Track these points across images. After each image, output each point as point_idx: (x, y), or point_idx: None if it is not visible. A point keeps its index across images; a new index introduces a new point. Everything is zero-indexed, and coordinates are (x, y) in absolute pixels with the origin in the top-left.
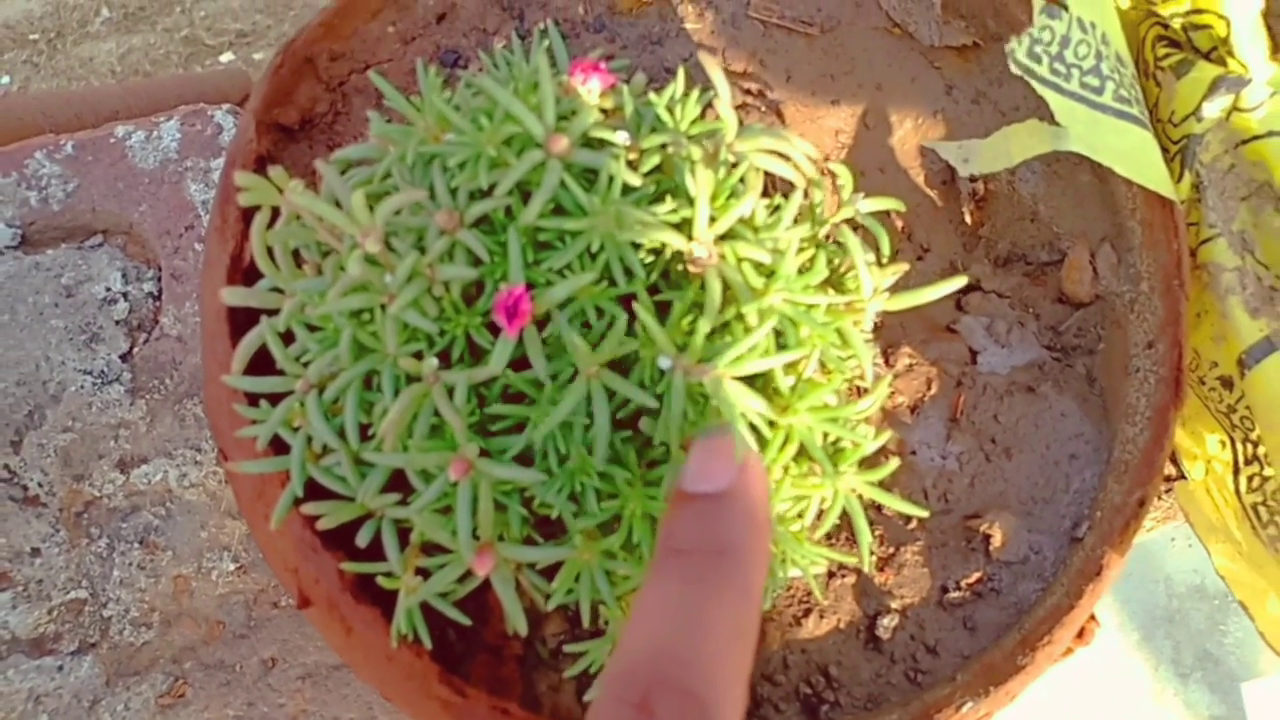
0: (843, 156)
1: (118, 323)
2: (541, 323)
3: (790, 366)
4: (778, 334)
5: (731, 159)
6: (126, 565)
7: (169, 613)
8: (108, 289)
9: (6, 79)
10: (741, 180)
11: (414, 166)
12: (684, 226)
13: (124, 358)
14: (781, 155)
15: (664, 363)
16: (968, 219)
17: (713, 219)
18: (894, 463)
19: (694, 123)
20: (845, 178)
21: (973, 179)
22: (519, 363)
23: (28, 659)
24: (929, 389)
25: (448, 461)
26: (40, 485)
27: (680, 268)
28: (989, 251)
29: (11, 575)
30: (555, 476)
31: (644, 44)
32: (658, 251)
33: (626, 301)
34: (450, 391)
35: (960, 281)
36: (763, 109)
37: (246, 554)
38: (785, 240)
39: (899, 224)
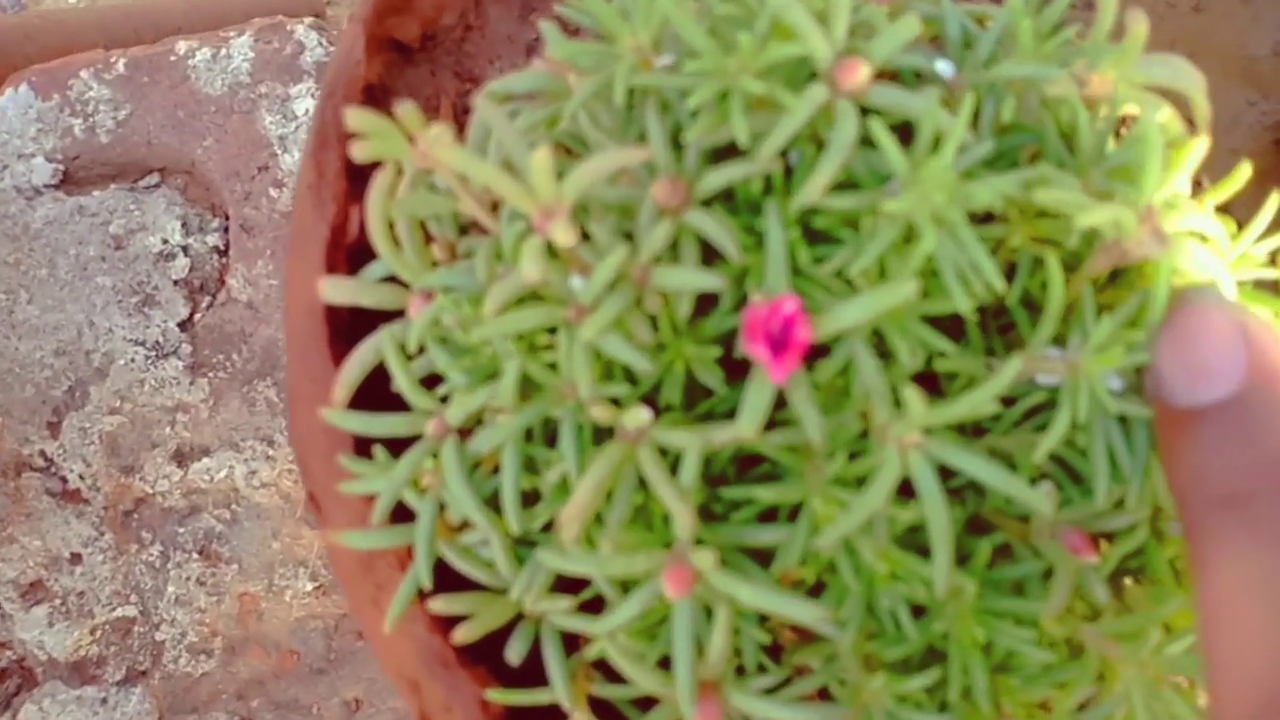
0: None
1: (176, 283)
2: (809, 356)
3: None
4: None
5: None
6: (183, 579)
7: (233, 638)
8: (164, 241)
9: None
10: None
11: (621, 110)
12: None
13: (183, 326)
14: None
15: (1042, 377)
16: None
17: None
18: None
19: (1049, 40)
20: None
21: None
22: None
23: (66, 687)
24: None
25: (659, 568)
26: (82, 478)
27: (1057, 265)
28: None
29: (48, 585)
30: (837, 589)
31: None
32: (998, 243)
33: (951, 326)
34: (666, 457)
35: None
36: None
37: (327, 571)
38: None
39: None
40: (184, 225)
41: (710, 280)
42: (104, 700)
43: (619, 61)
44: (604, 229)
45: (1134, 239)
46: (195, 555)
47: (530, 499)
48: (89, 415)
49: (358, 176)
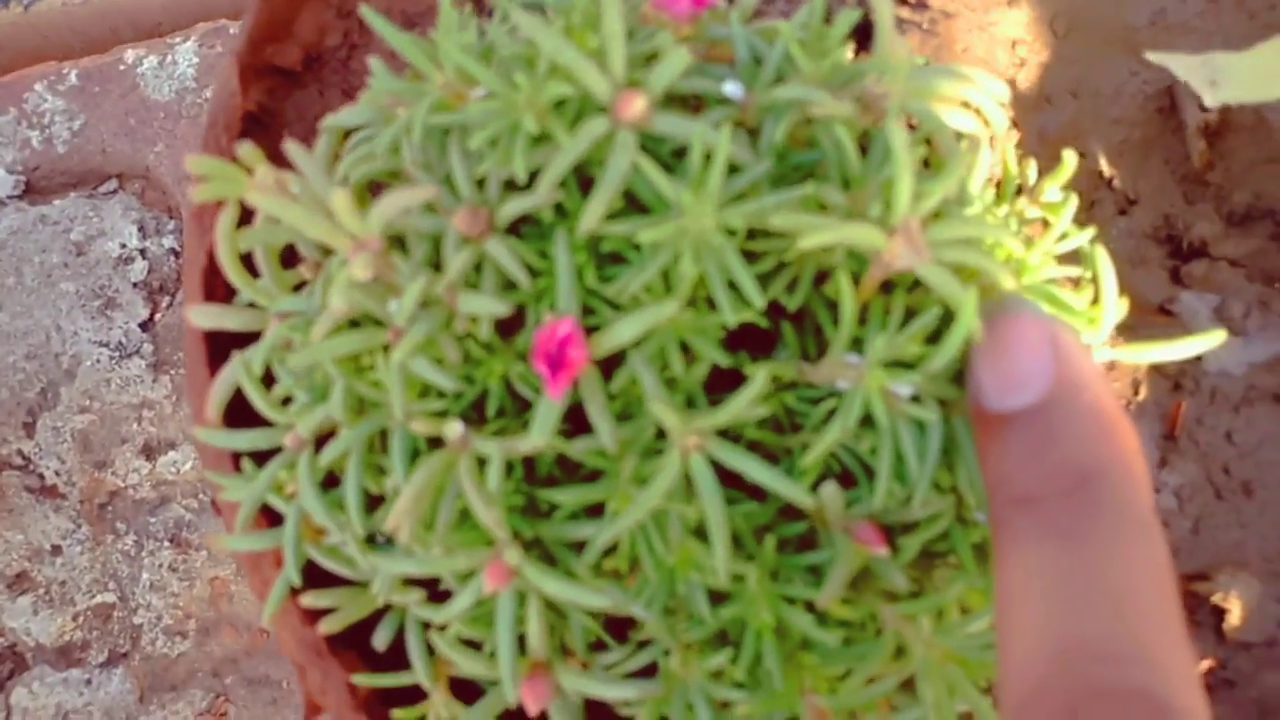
0: (1022, 77)
1: (135, 285)
2: (612, 364)
3: None
4: None
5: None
6: (157, 566)
7: (206, 620)
8: (123, 245)
9: None
10: (928, 143)
11: (425, 142)
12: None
13: (144, 326)
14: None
15: (840, 383)
16: (1193, 159)
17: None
18: None
19: (834, 63)
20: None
21: (1203, 108)
22: (581, 418)
23: (54, 670)
24: (1135, 394)
25: (482, 564)
26: (58, 474)
27: (846, 278)
28: (1221, 204)
29: (32, 576)
30: (642, 578)
31: None
32: (783, 264)
33: (731, 337)
34: (482, 464)
35: (1220, 337)
36: (924, 27)
37: None
38: (996, 221)
39: (1099, 166)
40: (141, 229)
41: (499, 306)
42: (89, 681)
43: (425, 98)
44: (416, 255)
45: (889, 253)
46: (167, 543)
47: (380, 503)
48: (61, 415)
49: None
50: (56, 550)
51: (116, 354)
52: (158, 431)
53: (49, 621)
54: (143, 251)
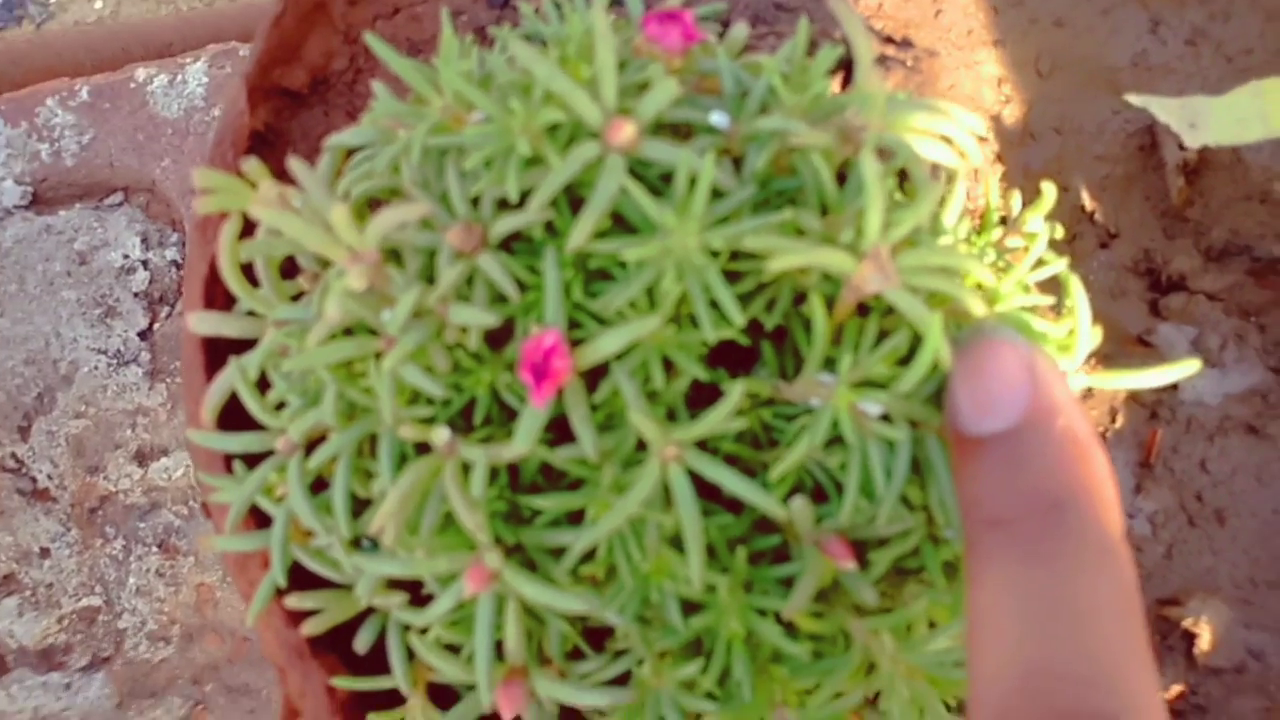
0: (1007, 113)
1: (136, 295)
2: (595, 375)
3: None
4: None
5: (877, 144)
6: (144, 571)
7: (190, 626)
8: (125, 256)
9: (99, 2)
10: (902, 175)
11: (423, 162)
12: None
13: (143, 335)
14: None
15: (814, 401)
16: (1172, 196)
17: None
18: None
19: (814, 96)
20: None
21: (1182, 146)
22: (565, 428)
23: (34, 673)
24: (1112, 421)
25: (463, 567)
26: (50, 478)
27: (819, 299)
28: (1199, 240)
29: (19, 578)
30: (618, 584)
31: None
32: (764, 284)
33: (714, 354)
34: (467, 470)
35: (1195, 366)
36: (908, 64)
37: None
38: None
39: (1081, 201)
40: (144, 240)
41: (489, 317)
42: (68, 685)
43: (425, 121)
44: (410, 268)
45: (859, 277)
46: (155, 549)
47: (367, 507)
48: (56, 419)
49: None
50: (45, 553)
51: (114, 361)
52: (151, 438)
53: (33, 624)
54: (145, 262)
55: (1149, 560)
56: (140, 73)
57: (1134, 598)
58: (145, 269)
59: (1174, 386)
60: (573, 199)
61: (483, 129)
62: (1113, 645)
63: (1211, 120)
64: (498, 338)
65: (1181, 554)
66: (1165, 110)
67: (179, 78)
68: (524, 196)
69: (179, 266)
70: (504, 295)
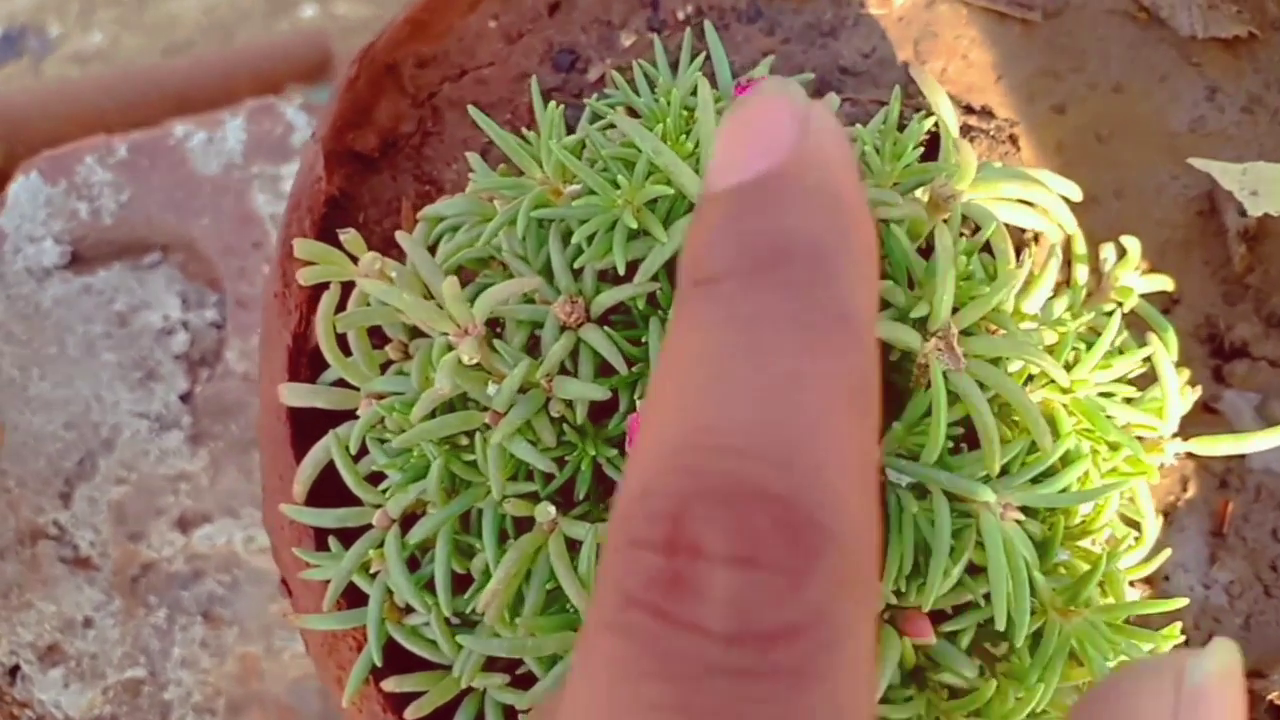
0: (1069, 177)
1: (177, 357)
2: None
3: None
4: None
5: (962, 214)
6: (188, 641)
7: (235, 697)
8: (165, 317)
9: (99, 36)
10: (987, 250)
11: (525, 235)
12: (903, 319)
13: (184, 398)
14: (1026, 202)
15: (897, 476)
16: (1234, 262)
17: (955, 308)
18: (1145, 603)
19: (905, 166)
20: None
21: (1242, 213)
22: None
23: None
24: (1184, 490)
25: (569, 647)
26: (92, 545)
27: (908, 371)
28: (1260, 306)
29: (63, 648)
30: None
31: (812, 35)
32: None
33: None
34: (572, 546)
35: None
36: (991, 133)
37: None
38: (1055, 330)
39: (1142, 265)
40: (184, 301)
41: (597, 391)
42: None
43: (527, 193)
44: (514, 341)
45: (923, 353)
46: (199, 618)
47: (467, 584)
48: (98, 485)
49: (319, 284)
50: (89, 622)
51: (156, 425)
52: (193, 504)
53: (79, 695)
54: (185, 324)
55: (1227, 632)
56: (179, 129)
57: (859, 378)
58: (185, 330)
59: (1241, 455)
60: (671, 271)
61: (588, 201)
62: (804, 419)
63: (1274, 188)
64: (598, 412)
65: (1259, 625)
66: (1227, 176)
67: (218, 134)
68: (627, 271)
69: (219, 327)
70: (609, 368)
